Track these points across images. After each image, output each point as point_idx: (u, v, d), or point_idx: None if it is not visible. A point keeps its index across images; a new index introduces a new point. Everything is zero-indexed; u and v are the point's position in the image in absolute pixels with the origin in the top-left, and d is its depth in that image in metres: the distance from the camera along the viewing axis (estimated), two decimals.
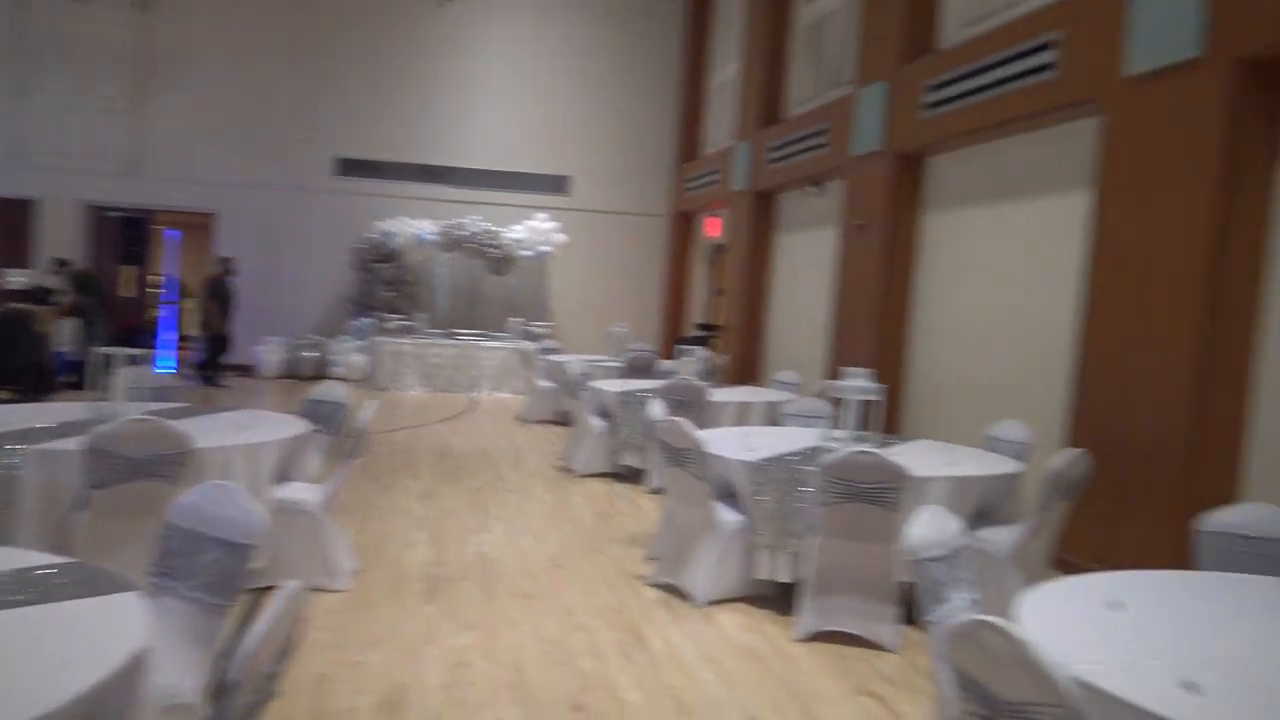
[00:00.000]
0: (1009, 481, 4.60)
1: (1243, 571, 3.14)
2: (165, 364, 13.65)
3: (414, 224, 14.04)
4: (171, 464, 3.78)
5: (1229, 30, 4.83)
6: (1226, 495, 4.84)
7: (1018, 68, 6.53)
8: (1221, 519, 3.17)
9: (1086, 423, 5.60)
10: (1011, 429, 5.20)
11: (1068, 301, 6.25)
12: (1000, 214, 7.21)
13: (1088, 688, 1.85)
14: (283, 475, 4.52)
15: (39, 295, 11.09)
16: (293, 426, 4.67)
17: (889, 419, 7.78)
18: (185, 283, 17.84)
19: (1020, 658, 1.66)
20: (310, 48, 14.52)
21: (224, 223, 14.39)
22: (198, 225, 16.00)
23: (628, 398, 7.54)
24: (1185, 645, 2.11)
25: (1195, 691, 1.83)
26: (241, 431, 4.49)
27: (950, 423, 7.55)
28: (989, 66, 6.85)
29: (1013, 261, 7.02)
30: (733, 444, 4.87)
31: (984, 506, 4.54)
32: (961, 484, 4.38)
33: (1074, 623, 2.24)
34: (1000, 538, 4.37)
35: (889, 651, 4.11)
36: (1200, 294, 4.88)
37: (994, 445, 5.19)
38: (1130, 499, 5.19)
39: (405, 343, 13.02)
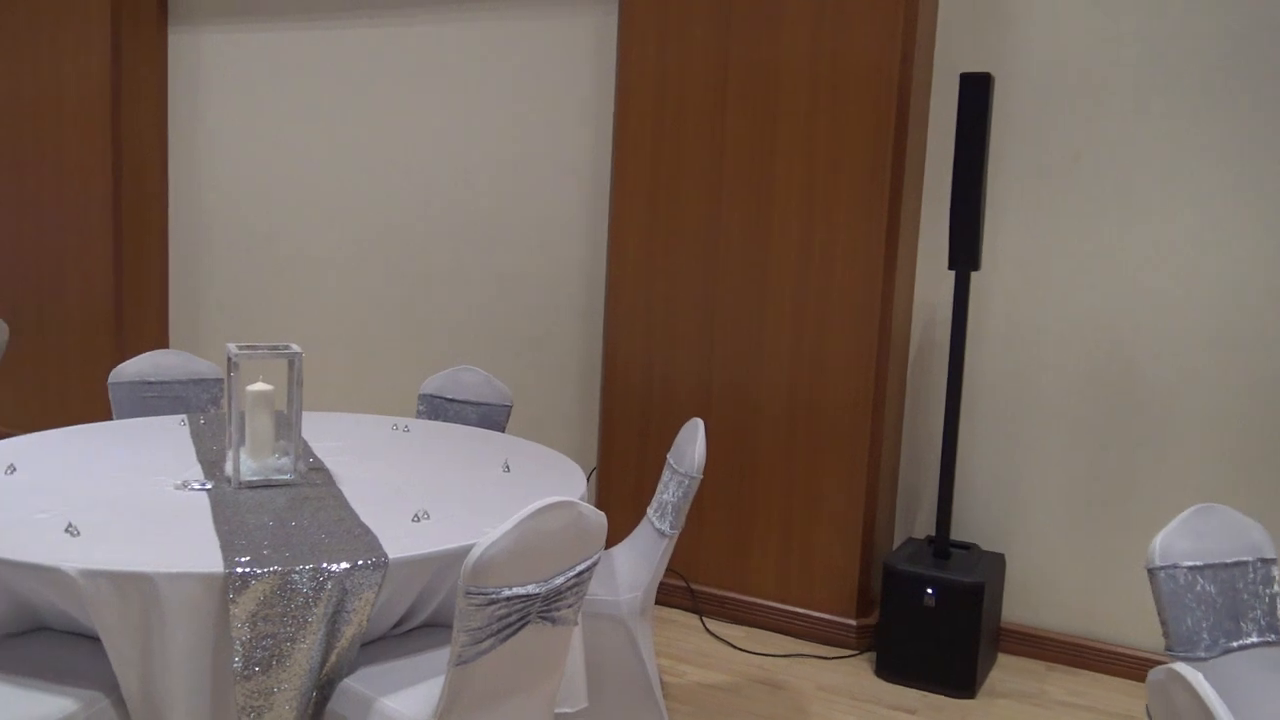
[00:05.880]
0: None
1: (155, 414, 3.47)
2: None
3: None
4: None
5: None
6: (159, 346, 5.21)
7: None
8: (126, 370, 3.43)
9: (11, 289, 5.40)
10: None
11: None
12: None
13: None
14: None
15: None
16: None
17: None
18: None
19: None
20: None
21: None
22: None
23: None
24: (72, 494, 2.28)
25: (74, 533, 2.01)
26: None
27: None
28: None
29: None
30: None
31: None
32: None
33: None
34: None
35: None
36: (108, 151, 5.01)
37: None
38: (63, 362, 5.22)
39: None
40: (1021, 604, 3.68)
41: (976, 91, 3.27)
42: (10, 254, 5.35)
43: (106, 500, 2.25)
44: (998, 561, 3.54)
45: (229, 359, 2.44)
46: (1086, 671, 3.56)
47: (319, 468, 2.61)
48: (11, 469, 2.44)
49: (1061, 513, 3.60)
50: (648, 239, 3.87)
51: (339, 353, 4.92)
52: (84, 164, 5.07)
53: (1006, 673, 3.53)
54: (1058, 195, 3.53)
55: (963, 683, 3.33)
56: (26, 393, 5.28)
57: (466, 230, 4.56)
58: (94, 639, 2.06)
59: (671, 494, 2.72)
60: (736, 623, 3.84)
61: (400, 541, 2.07)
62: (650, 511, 2.82)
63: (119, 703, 1.92)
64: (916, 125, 3.62)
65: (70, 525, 2.05)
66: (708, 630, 3.76)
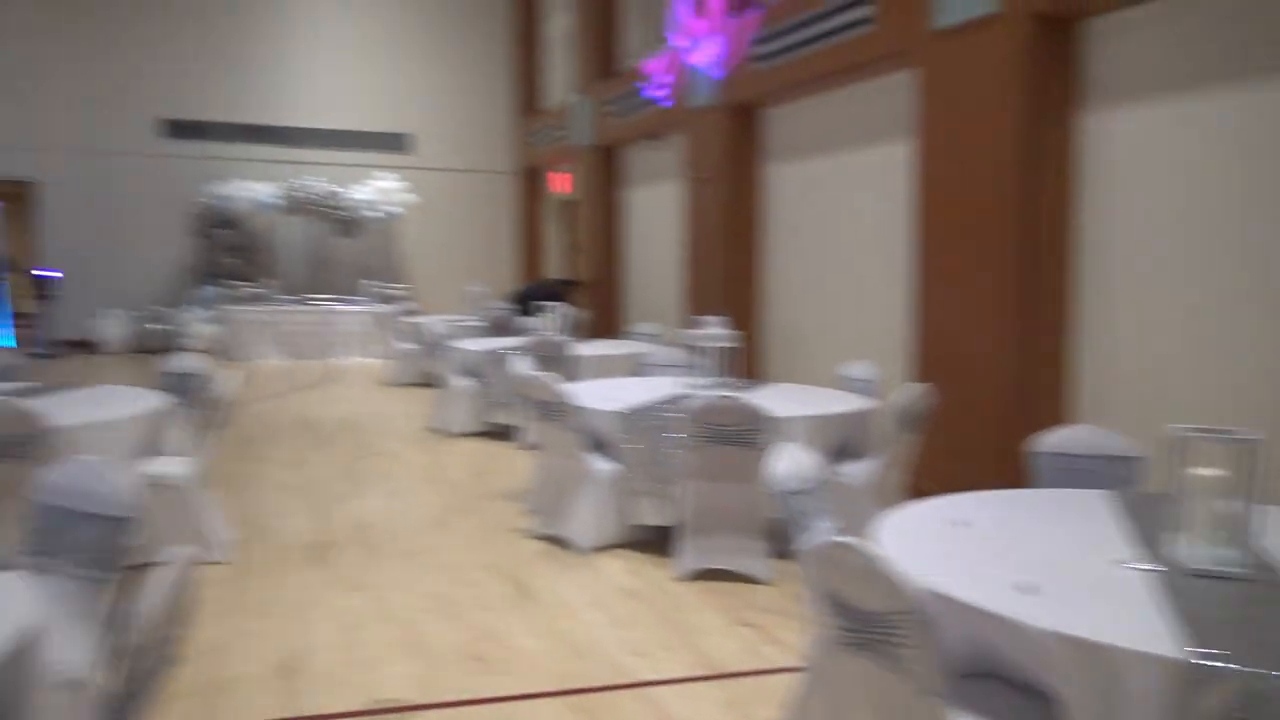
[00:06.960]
0: (862, 418, 4.92)
1: (1073, 487, 3.51)
2: (3, 341, 12.99)
3: (252, 187, 13.63)
4: (26, 444, 3.71)
5: None
6: (1054, 419, 5.31)
7: (838, 22, 6.84)
8: (1051, 440, 3.52)
9: (927, 358, 6.00)
10: (861, 368, 5.54)
11: (901, 245, 6.64)
12: (836, 163, 7.54)
13: (936, 595, 2.10)
14: (148, 450, 4.44)
15: None
16: (151, 400, 4.59)
17: (747, 365, 8.10)
18: (12, 257, 16.68)
19: (874, 572, 1.88)
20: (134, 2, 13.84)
21: (48, 192, 13.66)
22: (14, 196, 15.04)
23: (492, 356, 7.60)
24: (1014, 554, 2.39)
25: (1033, 592, 2.10)
26: (98, 407, 4.42)
27: (806, 366, 7.91)
28: (812, 20, 7.13)
29: (850, 208, 7.37)
30: (600, 395, 5.05)
31: (841, 442, 4.85)
32: (819, 422, 4.67)
33: (925, 540, 2.50)
34: (857, 471, 4.69)
35: (763, 584, 4.38)
36: (1014, 231, 5.28)
37: (846, 384, 5.52)
38: (970, 427, 5.61)
39: (257, 311, 12.68)
40: None
41: None
42: (932, 329, 5.95)
43: (1047, 565, 2.32)
44: None
45: (1177, 440, 2.34)
46: None
47: (1272, 565, 2.35)
48: (963, 523, 2.66)
49: None
50: None
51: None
52: (990, 243, 5.41)
53: None
54: None
55: None
56: (944, 453, 5.78)
57: None
58: (1041, 694, 2.11)
59: None
60: None
61: None
62: None
63: None
64: None
65: (1022, 584, 2.15)
66: None
